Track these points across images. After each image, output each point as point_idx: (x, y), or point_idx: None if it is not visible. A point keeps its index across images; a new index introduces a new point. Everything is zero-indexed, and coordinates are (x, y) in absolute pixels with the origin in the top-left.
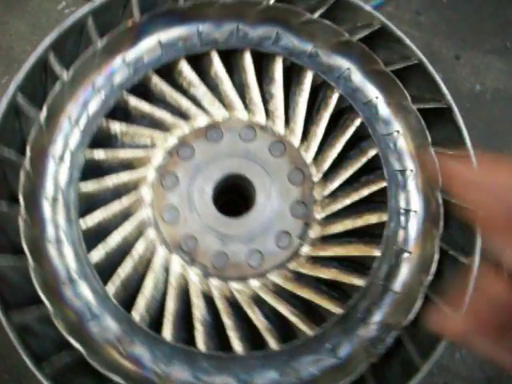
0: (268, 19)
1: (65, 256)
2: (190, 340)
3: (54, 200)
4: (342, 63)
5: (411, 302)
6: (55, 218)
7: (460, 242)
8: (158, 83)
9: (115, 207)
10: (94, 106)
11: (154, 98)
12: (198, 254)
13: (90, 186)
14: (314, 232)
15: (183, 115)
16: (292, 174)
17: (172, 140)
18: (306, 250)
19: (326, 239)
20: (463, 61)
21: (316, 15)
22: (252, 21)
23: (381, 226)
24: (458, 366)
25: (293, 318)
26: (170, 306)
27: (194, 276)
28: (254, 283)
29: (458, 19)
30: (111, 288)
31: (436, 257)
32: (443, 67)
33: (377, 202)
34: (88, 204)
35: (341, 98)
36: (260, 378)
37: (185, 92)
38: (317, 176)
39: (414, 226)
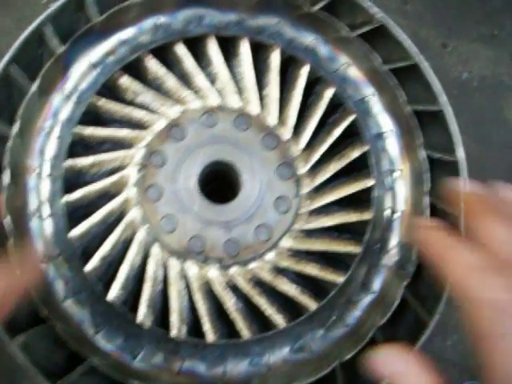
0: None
1: (45, 231)
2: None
3: (39, 174)
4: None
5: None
6: (39, 191)
7: None
8: (105, 104)
9: (100, 185)
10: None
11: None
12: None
13: (77, 162)
14: (298, 225)
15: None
16: (280, 168)
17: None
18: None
19: (310, 235)
20: (450, 49)
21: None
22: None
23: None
24: (448, 353)
25: (269, 310)
26: (147, 287)
27: (173, 260)
28: (232, 271)
29: (444, 8)
30: (90, 266)
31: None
32: (430, 55)
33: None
34: (74, 180)
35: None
36: (233, 366)
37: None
38: (304, 170)
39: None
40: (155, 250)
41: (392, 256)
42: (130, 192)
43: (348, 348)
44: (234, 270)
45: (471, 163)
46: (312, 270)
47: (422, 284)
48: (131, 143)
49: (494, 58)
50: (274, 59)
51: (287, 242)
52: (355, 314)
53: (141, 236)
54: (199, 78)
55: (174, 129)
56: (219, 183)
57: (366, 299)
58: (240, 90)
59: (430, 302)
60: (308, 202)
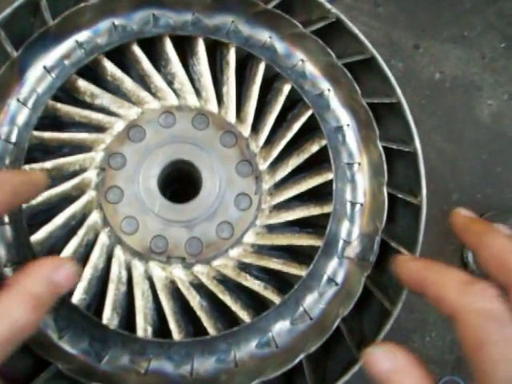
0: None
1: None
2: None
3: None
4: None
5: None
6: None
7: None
8: (62, 108)
9: (60, 188)
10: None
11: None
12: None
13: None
14: (260, 221)
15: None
16: (239, 165)
17: (123, 123)
18: (248, 239)
19: (272, 230)
20: (422, 50)
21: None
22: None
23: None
24: (428, 350)
25: (233, 307)
26: (111, 289)
27: (136, 261)
28: (195, 269)
29: (416, 9)
30: None
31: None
32: (403, 57)
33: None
34: None
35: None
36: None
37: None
38: (264, 167)
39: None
40: (118, 252)
41: (354, 247)
42: (90, 194)
43: (313, 340)
44: (197, 269)
45: (444, 162)
46: (275, 264)
47: (384, 274)
48: (91, 146)
49: (465, 58)
50: (231, 57)
51: (250, 238)
52: (319, 306)
53: (103, 238)
54: (157, 78)
55: (132, 130)
56: (181, 183)
57: (330, 291)
58: (198, 89)
59: (392, 292)
60: (269, 197)
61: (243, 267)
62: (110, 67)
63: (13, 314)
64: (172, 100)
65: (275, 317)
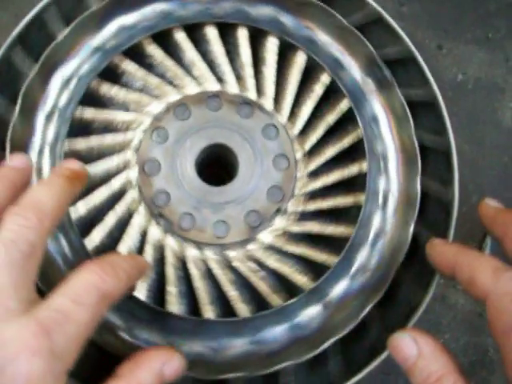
0: None
1: None
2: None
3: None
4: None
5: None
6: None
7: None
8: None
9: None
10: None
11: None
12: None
13: (77, 145)
14: (285, 220)
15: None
16: (277, 159)
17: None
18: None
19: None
20: (445, 51)
21: None
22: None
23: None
24: None
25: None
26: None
27: (171, 240)
28: (209, 253)
29: (440, 10)
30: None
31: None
32: (426, 57)
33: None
34: None
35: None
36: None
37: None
38: (301, 165)
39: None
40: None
41: (387, 238)
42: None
43: (343, 327)
44: (227, 252)
45: (464, 163)
46: (306, 250)
47: (417, 262)
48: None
49: (489, 60)
50: (272, 48)
51: (281, 223)
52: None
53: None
54: (201, 64)
55: (179, 108)
56: (218, 168)
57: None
58: (240, 78)
59: (424, 279)
60: (301, 186)
61: (273, 251)
62: (155, 52)
63: None
64: (216, 86)
65: (306, 301)
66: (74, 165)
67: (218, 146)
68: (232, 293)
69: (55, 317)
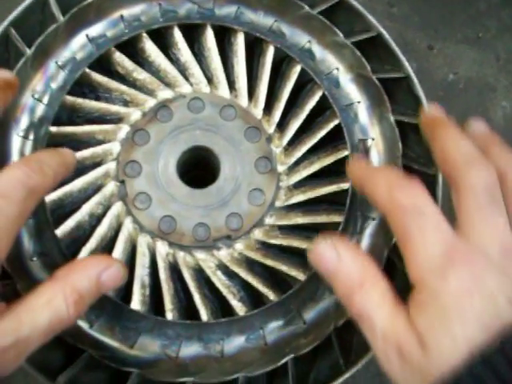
0: None
1: None
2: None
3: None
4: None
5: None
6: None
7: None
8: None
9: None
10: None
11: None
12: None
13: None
14: (271, 220)
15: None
16: (259, 161)
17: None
18: (258, 234)
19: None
20: (436, 51)
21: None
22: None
23: None
24: None
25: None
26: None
27: (161, 246)
28: (199, 255)
29: (430, 11)
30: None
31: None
32: (417, 57)
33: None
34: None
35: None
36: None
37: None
38: (282, 167)
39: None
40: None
41: (373, 223)
42: (109, 166)
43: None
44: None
45: None
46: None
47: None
48: (121, 118)
49: (480, 59)
50: (268, 57)
51: (270, 220)
52: None
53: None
54: (193, 65)
55: (161, 110)
56: (199, 170)
57: None
58: (232, 81)
59: None
60: (285, 177)
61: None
62: (149, 47)
63: (54, 305)
64: (203, 88)
65: (300, 295)
66: (5, 74)
67: (200, 149)
68: (196, 296)
69: None
